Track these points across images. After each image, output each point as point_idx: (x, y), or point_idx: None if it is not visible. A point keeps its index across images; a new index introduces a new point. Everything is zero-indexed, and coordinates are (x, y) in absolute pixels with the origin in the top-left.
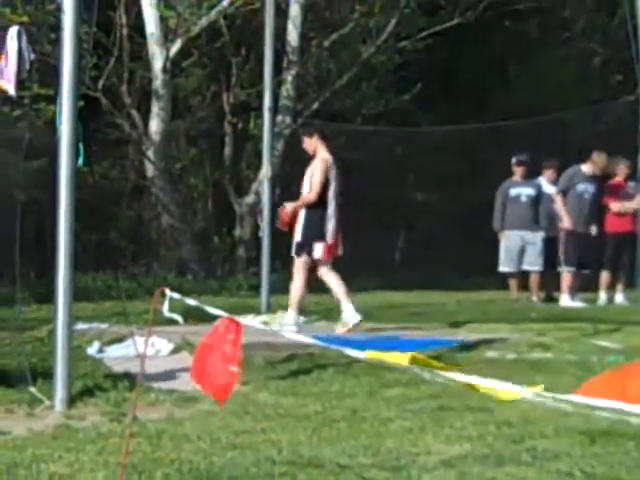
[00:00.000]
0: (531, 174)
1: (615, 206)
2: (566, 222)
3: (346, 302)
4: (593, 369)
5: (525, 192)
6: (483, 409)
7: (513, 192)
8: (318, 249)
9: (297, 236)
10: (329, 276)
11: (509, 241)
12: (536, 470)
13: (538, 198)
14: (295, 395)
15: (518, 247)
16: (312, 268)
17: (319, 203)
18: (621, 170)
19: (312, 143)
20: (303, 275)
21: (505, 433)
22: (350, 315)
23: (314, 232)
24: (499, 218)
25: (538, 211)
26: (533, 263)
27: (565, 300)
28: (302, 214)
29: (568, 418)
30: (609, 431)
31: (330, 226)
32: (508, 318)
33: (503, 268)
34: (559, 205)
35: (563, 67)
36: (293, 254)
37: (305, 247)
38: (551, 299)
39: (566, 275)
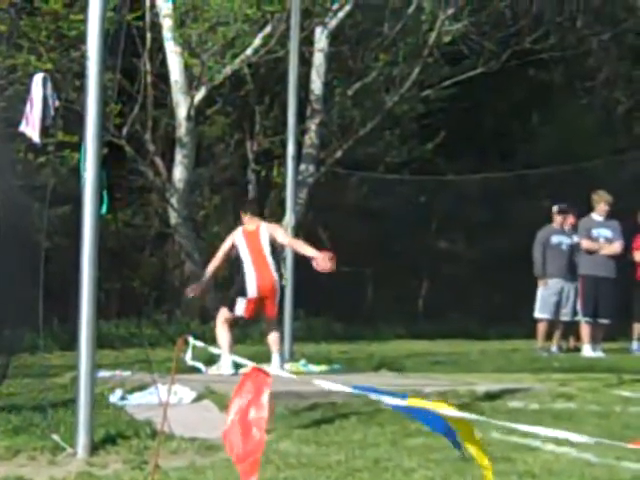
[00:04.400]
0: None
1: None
2: (611, 249)
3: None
4: (616, 420)
5: (566, 241)
6: (505, 459)
7: (554, 240)
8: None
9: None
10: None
11: (549, 289)
12: None
13: (575, 248)
14: (318, 444)
15: (557, 296)
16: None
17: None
18: None
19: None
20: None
21: None
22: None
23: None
24: (540, 265)
25: (575, 261)
26: (566, 314)
27: (587, 351)
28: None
29: (592, 469)
30: None
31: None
32: (531, 368)
33: (540, 315)
34: (589, 247)
35: (587, 116)
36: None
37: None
38: (576, 349)
39: (585, 325)
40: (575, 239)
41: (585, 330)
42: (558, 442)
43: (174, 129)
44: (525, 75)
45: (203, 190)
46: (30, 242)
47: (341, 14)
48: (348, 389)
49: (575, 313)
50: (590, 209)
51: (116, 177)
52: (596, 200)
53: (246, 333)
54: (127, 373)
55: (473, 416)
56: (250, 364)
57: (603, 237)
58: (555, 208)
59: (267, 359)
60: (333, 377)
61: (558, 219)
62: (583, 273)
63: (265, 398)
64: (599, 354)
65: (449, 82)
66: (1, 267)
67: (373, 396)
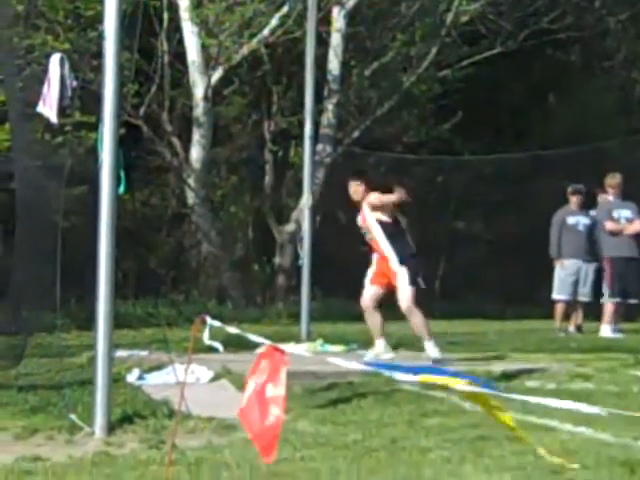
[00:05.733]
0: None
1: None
2: (633, 228)
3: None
4: (634, 399)
5: (583, 221)
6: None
7: (571, 220)
8: None
9: None
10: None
11: (566, 269)
12: None
13: (592, 228)
14: (335, 424)
15: (574, 276)
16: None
17: None
18: None
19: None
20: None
21: (544, 463)
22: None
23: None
24: (556, 245)
25: (593, 241)
26: (585, 294)
27: (605, 331)
28: None
29: (608, 448)
30: None
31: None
32: (548, 348)
33: (557, 296)
34: (613, 228)
35: (604, 96)
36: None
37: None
38: (579, 330)
39: (610, 306)
40: (588, 220)
41: (609, 310)
42: (575, 422)
43: (191, 109)
44: (543, 55)
45: (220, 170)
46: (47, 222)
47: None
48: (360, 366)
49: (595, 294)
50: (604, 190)
51: (133, 157)
52: (608, 182)
53: (264, 312)
54: (144, 353)
55: (489, 391)
56: (266, 342)
57: (624, 218)
58: (570, 188)
59: (285, 339)
60: (350, 357)
61: (574, 199)
62: (609, 255)
63: (283, 376)
64: (618, 335)
65: (467, 62)
66: (19, 247)
67: (385, 373)
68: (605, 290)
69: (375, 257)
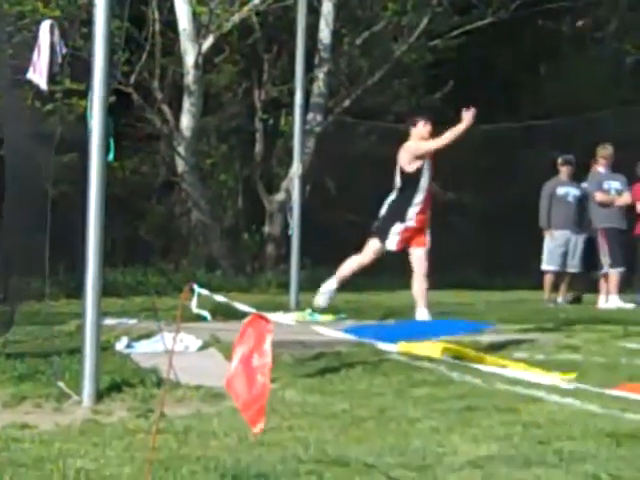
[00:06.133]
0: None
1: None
2: (623, 199)
3: None
4: (622, 371)
5: (572, 192)
6: (510, 410)
7: (560, 191)
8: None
9: None
10: None
11: (555, 240)
12: (562, 472)
13: (583, 199)
14: (322, 393)
15: (563, 247)
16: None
17: None
18: None
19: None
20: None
21: (532, 434)
22: None
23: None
24: (545, 216)
25: (583, 213)
26: (575, 265)
27: (615, 301)
28: None
29: (595, 420)
30: (636, 433)
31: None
32: (537, 319)
33: (546, 267)
34: (604, 199)
35: (595, 67)
36: None
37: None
38: (579, 300)
39: (614, 276)
40: (577, 191)
41: (614, 281)
42: (562, 393)
43: (182, 77)
44: (534, 25)
45: (210, 138)
46: (37, 190)
47: None
48: (340, 334)
49: (585, 266)
50: (595, 162)
51: (123, 125)
52: (600, 153)
53: (252, 283)
54: (133, 321)
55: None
56: (253, 311)
57: (614, 189)
58: (560, 159)
59: (274, 308)
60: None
61: (564, 170)
62: (602, 226)
63: (268, 345)
64: (629, 305)
65: (458, 32)
66: (8, 215)
67: (365, 340)
68: (605, 261)
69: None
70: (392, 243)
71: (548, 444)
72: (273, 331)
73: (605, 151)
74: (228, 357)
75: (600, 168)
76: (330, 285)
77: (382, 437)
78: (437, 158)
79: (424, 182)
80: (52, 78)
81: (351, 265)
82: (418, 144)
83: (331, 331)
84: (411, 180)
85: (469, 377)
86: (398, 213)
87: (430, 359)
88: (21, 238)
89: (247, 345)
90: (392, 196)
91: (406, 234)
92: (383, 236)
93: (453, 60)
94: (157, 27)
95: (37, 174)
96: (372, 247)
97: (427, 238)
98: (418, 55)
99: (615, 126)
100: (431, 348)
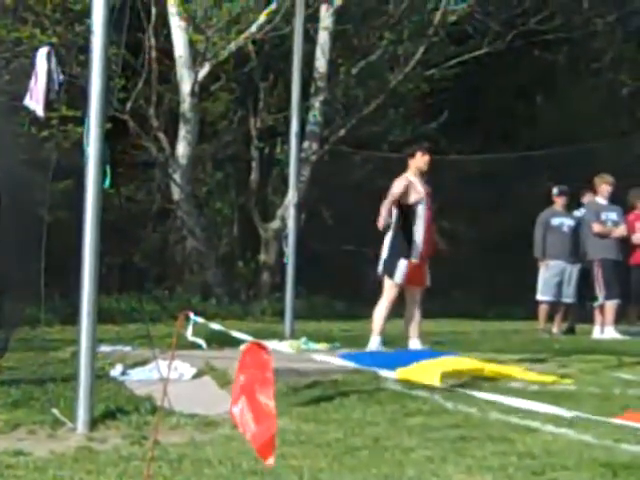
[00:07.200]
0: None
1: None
2: (620, 231)
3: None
4: (616, 401)
5: (567, 222)
6: (505, 439)
7: (555, 222)
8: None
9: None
10: None
11: (550, 270)
12: None
13: (577, 229)
14: (317, 422)
15: (558, 277)
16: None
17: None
18: None
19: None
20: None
21: (526, 464)
22: None
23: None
24: (540, 247)
25: (578, 243)
26: (569, 295)
27: (611, 332)
28: None
29: (590, 450)
30: (631, 464)
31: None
32: (532, 349)
33: (542, 297)
34: (601, 231)
35: (591, 97)
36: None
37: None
38: (572, 331)
39: (610, 307)
40: (572, 221)
41: (610, 312)
42: (557, 423)
43: (178, 104)
44: (530, 56)
45: (206, 166)
46: (32, 216)
47: None
48: (339, 361)
49: (579, 296)
50: (594, 192)
51: (119, 152)
52: (598, 183)
53: (247, 311)
54: (128, 348)
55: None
56: (249, 339)
57: (610, 220)
58: (555, 190)
59: (268, 336)
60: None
61: (559, 201)
62: (598, 257)
63: (269, 374)
64: (624, 336)
65: (454, 61)
66: (3, 241)
67: (363, 367)
68: (599, 293)
69: None
70: (399, 277)
71: (542, 475)
72: (272, 359)
73: (606, 181)
74: (222, 385)
75: (599, 198)
76: (373, 343)
77: (376, 466)
78: (433, 189)
79: (421, 212)
80: (49, 105)
81: (380, 314)
82: (393, 187)
83: (329, 357)
84: (409, 212)
85: (464, 406)
86: (402, 249)
87: (425, 387)
88: (16, 264)
89: (246, 375)
90: (391, 232)
91: (410, 268)
92: (391, 272)
93: (449, 90)
94: (153, 54)
95: (32, 200)
96: (388, 285)
97: (428, 276)
98: (414, 84)
99: (610, 157)
100: (430, 374)
